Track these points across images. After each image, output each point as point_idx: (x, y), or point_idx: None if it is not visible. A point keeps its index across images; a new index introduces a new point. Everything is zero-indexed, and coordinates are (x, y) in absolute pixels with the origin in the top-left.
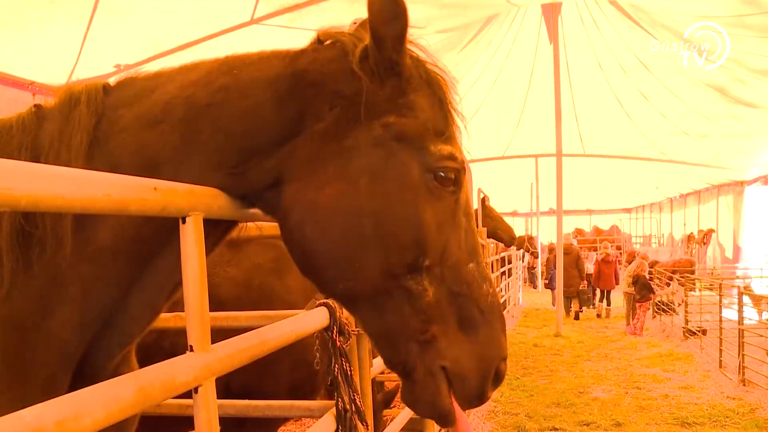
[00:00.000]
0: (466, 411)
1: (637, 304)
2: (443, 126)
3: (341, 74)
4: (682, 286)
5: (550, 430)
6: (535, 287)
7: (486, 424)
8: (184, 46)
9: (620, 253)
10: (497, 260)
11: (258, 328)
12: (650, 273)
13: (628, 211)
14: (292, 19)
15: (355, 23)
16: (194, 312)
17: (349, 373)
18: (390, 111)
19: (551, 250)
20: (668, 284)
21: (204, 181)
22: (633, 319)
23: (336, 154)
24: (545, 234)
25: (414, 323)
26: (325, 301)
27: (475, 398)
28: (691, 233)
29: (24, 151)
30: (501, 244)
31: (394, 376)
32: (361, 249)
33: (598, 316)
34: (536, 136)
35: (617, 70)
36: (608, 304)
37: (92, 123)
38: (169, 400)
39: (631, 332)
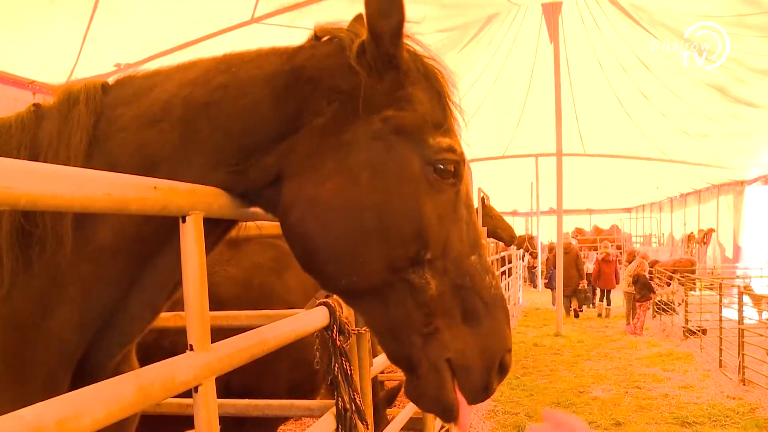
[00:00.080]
0: (472, 406)
1: (638, 304)
2: (442, 118)
3: (339, 69)
4: (682, 285)
5: None
6: (535, 287)
7: (486, 423)
8: (184, 46)
9: (620, 253)
10: (497, 259)
11: (258, 327)
12: (650, 272)
13: (628, 210)
14: (293, 18)
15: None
16: (194, 311)
17: (349, 372)
18: (388, 105)
19: (551, 249)
20: (668, 284)
21: (204, 180)
22: (633, 318)
23: (335, 148)
24: (545, 233)
25: (417, 316)
26: (325, 300)
27: (481, 390)
28: (691, 233)
29: (23, 150)
30: (501, 244)
31: (394, 375)
32: (363, 243)
33: (599, 315)
34: (536, 136)
35: (617, 70)
36: (608, 304)
37: (91, 122)
38: (169, 399)
39: (631, 332)
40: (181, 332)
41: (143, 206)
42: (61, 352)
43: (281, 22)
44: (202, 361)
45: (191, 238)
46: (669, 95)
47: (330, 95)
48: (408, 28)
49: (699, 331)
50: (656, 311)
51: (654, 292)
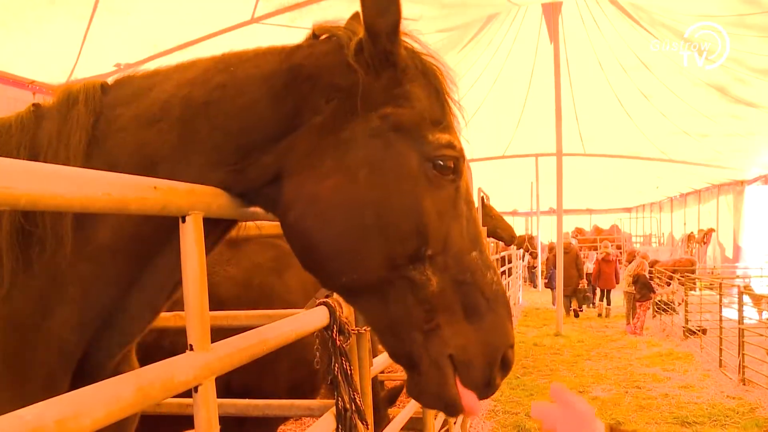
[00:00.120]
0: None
1: (638, 304)
2: (440, 115)
3: (337, 67)
4: (683, 285)
5: None
6: (535, 287)
7: (486, 423)
8: (184, 46)
9: (620, 253)
10: (497, 259)
11: (258, 327)
12: (650, 272)
13: (628, 210)
14: (293, 18)
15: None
16: (194, 311)
17: (349, 372)
18: (386, 102)
19: (551, 249)
20: (668, 284)
21: (203, 180)
22: (633, 318)
23: (334, 146)
24: (545, 233)
25: (418, 313)
26: (325, 300)
27: (484, 386)
28: (691, 233)
29: (23, 150)
30: (501, 243)
31: (394, 375)
32: (363, 240)
33: (600, 315)
34: (536, 136)
35: (617, 70)
36: (608, 304)
37: (90, 122)
38: (169, 399)
39: (631, 331)
40: (181, 332)
41: (143, 206)
42: (61, 352)
43: (281, 22)
44: (202, 361)
45: (191, 238)
46: (669, 95)
47: (328, 93)
48: (406, 25)
49: (699, 330)
50: (656, 311)
51: (654, 292)
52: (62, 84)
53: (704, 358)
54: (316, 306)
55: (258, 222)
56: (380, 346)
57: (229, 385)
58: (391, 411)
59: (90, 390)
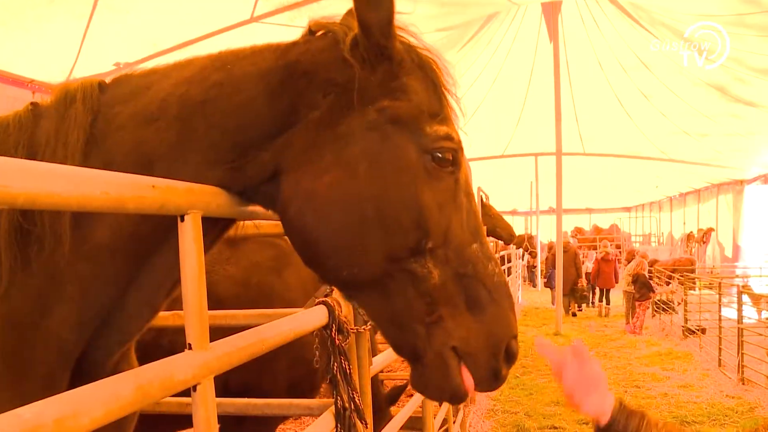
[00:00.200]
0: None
1: (637, 303)
2: (438, 108)
3: (333, 63)
4: (682, 284)
5: (550, 428)
6: (534, 286)
7: (485, 422)
8: (184, 45)
9: (620, 252)
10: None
11: (256, 326)
12: (650, 272)
13: (627, 209)
14: (292, 17)
15: None
16: (193, 310)
17: (348, 371)
18: (383, 95)
19: (550, 248)
20: (668, 283)
21: (200, 178)
22: (632, 317)
23: (332, 141)
24: (545, 233)
25: (420, 306)
26: (324, 299)
27: (490, 377)
28: (691, 232)
29: (21, 149)
30: (500, 243)
31: (394, 374)
32: (363, 234)
33: (600, 315)
34: (536, 135)
35: (617, 69)
36: (608, 303)
37: (88, 120)
38: (168, 398)
39: (630, 331)
40: (180, 331)
41: (141, 205)
42: (60, 351)
43: (281, 21)
44: (201, 360)
45: (189, 237)
46: (669, 95)
47: (325, 88)
48: (400, 20)
49: (698, 330)
50: (655, 310)
51: (653, 292)
52: (60, 83)
53: (703, 358)
54: (315, 305)
55: (257, 221)
56: (380, 346)
57: (227, 383)
58: (391, 410)
59: (89, 389)
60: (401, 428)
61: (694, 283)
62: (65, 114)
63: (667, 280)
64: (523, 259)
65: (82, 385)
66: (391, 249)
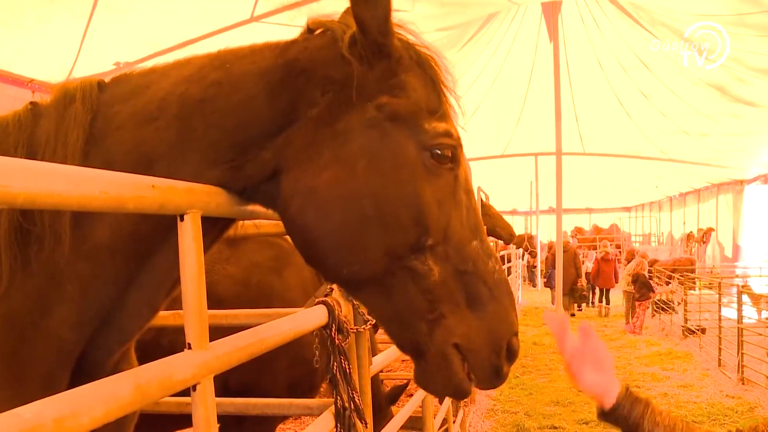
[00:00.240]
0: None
1: (637, 303)
2: (437, 104)
3: (331, 60)
4: (682, 284)
5: (550, 428)
6: (534, 286)
7: (485, 422)
8: (184, 44)
9: (620, 252)
10: None
11: (256, 326)
12: (650, 272)
13: (627, 209)
14: (292, 16)
15: None
16: (192, 310)
17: (347, 371)
18: (382, 92)
19: (550, 248)
20: (668, 283)
21: (200, 177)
22: (632, 317)
23: (331, 138)
24: (545, 232)
25: (421, 303)
26: (323, 299)
27: (492, 374)
28: (691, 232)
29: (20, 149)
30: (500, 242)
31: (394, 374)
32: (363, 231)
33: (600, 315)
34: (536, 135)
35: (617, 69)
36: (607, 303)
37: (88, 120)
38: (168, 397)
39: (630, 331)
40: (180, 331)
41: (140, 205)
42: (60, 351)
43: (281, 21)
44: (201, 360)
45: (189, 237)
46: (669, 95)
47: (324, 86)
48: (399, 17)
49: (698, 330)
50: (655, 310)
51: (653, 291)
52: (60, 82)
53: (703, 358)
54: (315, 305)
55: (256, 221)
56: (380, 345)
57: (227, 383)
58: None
59: (88, 388)
60: (401, 428)
61: (694, 283)
62: (65, 113)
63: (667, 280)
64: (523, 259)
65: (81, 385)
66: (391, 246)
